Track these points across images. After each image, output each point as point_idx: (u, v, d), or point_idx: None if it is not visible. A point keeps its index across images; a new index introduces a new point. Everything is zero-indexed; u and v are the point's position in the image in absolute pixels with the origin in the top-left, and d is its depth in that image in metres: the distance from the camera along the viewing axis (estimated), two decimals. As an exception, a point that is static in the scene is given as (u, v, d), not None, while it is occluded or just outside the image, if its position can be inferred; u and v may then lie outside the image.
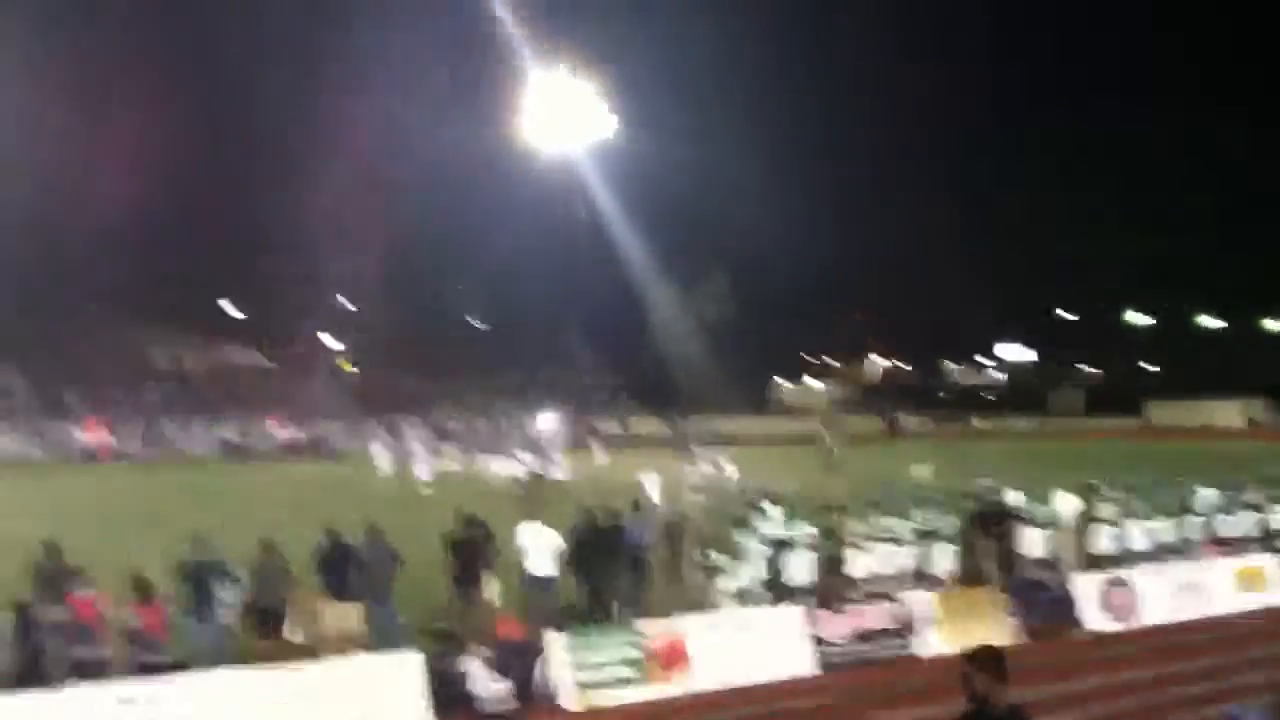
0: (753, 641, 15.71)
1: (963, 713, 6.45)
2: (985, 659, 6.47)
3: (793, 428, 76.01)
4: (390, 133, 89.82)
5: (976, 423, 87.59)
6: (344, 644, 15.76)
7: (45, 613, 14.23)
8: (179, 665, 14.08)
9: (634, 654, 14.85)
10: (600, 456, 46.29)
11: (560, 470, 41.27)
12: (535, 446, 47.65)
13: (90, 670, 13.59)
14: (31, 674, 13.86)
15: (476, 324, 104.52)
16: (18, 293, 79.38)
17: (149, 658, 13.74)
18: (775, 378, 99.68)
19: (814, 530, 19.44)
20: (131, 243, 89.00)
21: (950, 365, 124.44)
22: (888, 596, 18.01)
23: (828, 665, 16.02)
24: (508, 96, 76.92)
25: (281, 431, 57.25)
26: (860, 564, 19.68)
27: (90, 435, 54.52)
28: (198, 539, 15.91)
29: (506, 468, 40.48)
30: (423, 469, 42.00)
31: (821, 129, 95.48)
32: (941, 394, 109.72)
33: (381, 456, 45.50)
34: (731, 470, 39.36)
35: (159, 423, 58.67)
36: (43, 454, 52.67)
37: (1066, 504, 22.55)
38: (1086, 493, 22.87)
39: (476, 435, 57.26)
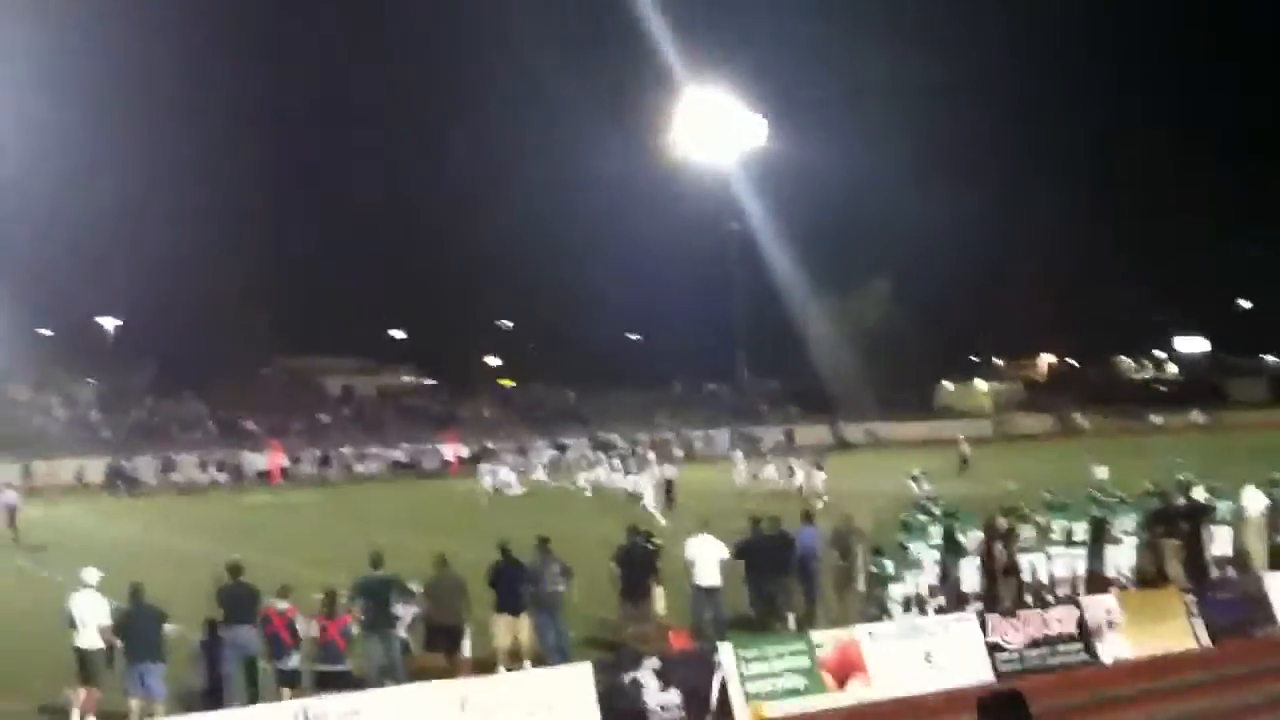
0: (927, 649, 15.39)
1: None
2: (998, 705, 5.56)
3: (959, 430, 74.56)
4: (544, 151, 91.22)
5: (1153, 418, 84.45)
6: (517, 657, 15.99)
7: (230, 631, 14.76)
8: (357, 678, 14.53)
9: (807, 663, 14.68)
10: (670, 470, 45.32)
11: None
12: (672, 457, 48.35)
13: (283, 680, 14.23)
14: (217, 691, 14.40)
15: (635, 337, 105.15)
16: (201, 329, 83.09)
17: (329, 667, 14.25)
18: (941, 380, 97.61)
19: (983, 534, 18.98)
20: (302, 278, 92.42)
21: (1124, 360, 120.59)
22: (1066, 600, 17.49)
23: (1005, 673, 15.58)
24: (660, 110, 77.31)
25: (448, 449, 58.37)
26: (1035, 567, 19.16)
27: (269, 460, 56.43)
28: (375, 555, 16.30)
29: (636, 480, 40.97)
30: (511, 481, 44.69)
31: (980, 127, 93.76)
32: (1115, 389, 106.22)
33: (486, 474, 46.87)
34: (802, 476, 39.55)
35: (333, 445, 60.37)
36: (227, 478, 54.68)
37: (1253, 499, 21.58)
38: (1274, 487, 21.86)
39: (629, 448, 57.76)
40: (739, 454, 49.68)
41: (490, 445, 60.39)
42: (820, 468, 39.01)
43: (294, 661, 14.44)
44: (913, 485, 36.89)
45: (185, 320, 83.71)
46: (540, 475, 48.10)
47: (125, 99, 76.80)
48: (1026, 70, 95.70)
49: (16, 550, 32.23)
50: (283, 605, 14.62)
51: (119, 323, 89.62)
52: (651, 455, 49.24)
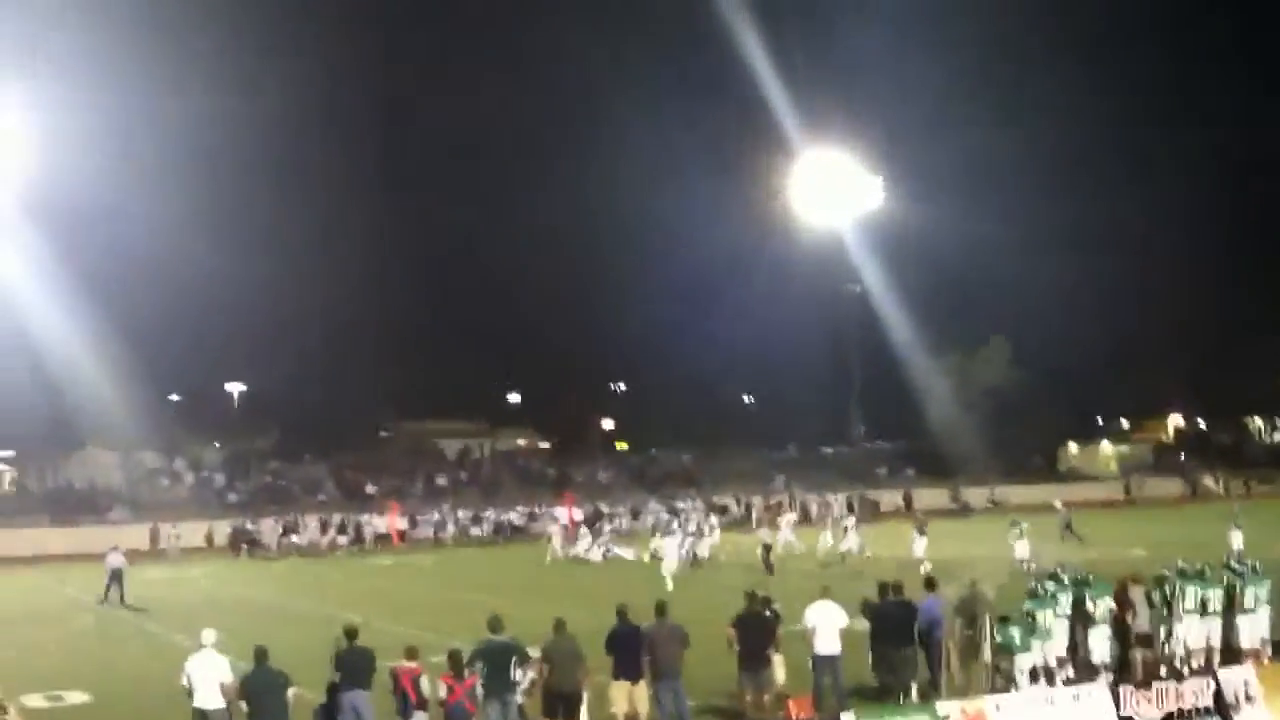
0: (1057, 722, 14.87)
1: None
2: None
3: (1084, 494, 72.78)
4: (660, 214, 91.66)
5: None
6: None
7: (348, 695, 14.83)
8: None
9: (932, 735, 14.29)
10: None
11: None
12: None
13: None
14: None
15: (749, 399, 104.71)
16: (324, 395, 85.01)
17: None
18: (1065, 442, 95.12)
19: (1113, 603, 18.39)
20: (420, 344, 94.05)
21: (1255, 421, 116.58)
22: (1201, 671, 16.82)
23: (1140, 747, 15.01)
24: (776, 171, 77.35)
25: (562, 512, 58.32)
26: (1168, 637, 18.51)
27: (389, 522, 57.05)
28: (493, 620, 16.33)
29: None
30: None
31: (1103, 179, 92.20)
32: (1247, 452, 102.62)
33: (557, 535, 48.41)
34: (854, 541, 40.00)
35: (450, 508, 60.83)
36: (347, 541, 55.31)
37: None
38: None
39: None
40: (787, 519, 49.25)
41: (604, 508, 60.34)
42: (923, 532, 38.01)
43: None
44: (1013, 535, 36.32)
45: (307, 385, 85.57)
46: (606, 541, 47.56)
47: (248, 169, 79.34)
48: (1149, 118, 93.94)
49: (132, 614, 32.87)
50: (410, 665, 14.73)
51: (243, 388, 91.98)
52: (713, 519, 49.58)
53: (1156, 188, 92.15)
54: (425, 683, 14.61)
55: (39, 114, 57.60)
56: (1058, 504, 48.81)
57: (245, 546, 53.14)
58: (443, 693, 14.46)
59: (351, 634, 15.49)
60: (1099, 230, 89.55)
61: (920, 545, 36.62)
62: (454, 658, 14.86)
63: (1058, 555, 26.90)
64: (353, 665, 15.03)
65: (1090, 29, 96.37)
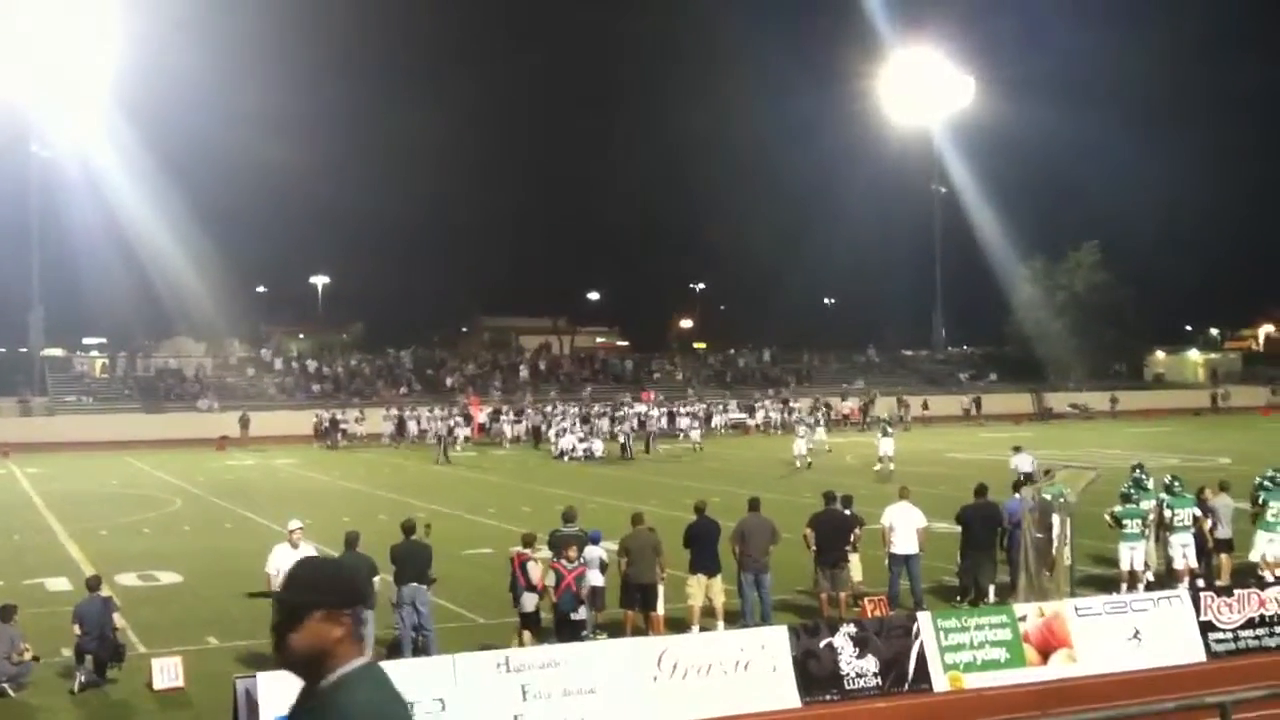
0: (1136, 626, 14.79)
1: None
2: None
3: (1170, 401, 71.84)
4: (746, 114, 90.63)
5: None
6: (710, 617, 16.01)
7: (405, 588, 15.08)
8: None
9: (1009, 635, 14.29)
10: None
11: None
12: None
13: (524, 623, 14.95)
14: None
15: (829, 302, 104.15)
16: (406, 289, 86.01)
17: (567, 614, 14.87)
18: (1153, 349, 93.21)
19: (1198, 510, 18.22)
20: (502, 241, 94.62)
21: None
22: (1286, 581, 16.63)
23: (1219, 652, 14.90)
24: (867, 71, 76.11)
25: (639, 409, 58.37)
26: (1251, 546, 18.39)
27: (471, 415, 57.53)
28: (567, 511, 16.60)
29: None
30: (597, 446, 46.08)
31: (1198, 84, 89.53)
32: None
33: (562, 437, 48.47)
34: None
35: (529, 403, 61.16)
36: (432, 433, 55.67)
37: None
38: None
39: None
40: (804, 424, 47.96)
41: (681, 406, 60.37)
42: (887, 433, 38.51)
43: (530, 605, 14.80)
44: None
45: (390, 280, 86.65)
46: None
47: (336, 67, 79.54)
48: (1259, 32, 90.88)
49: (221, 498, 33.52)
50: (523, 551, 15.11)
51: (327, 281, 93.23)
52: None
53: (1261, 98, 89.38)
54: (533, 568, 14.89)
55: (131, 7, 57.86)
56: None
57: (331, 435, 53.84)
58: (551, 580, 14.81)
59: (408, 529, 15.72)
60: (1196, 137, 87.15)
61: (886, 445, 37.36)
62: (554, 543, 15.26)
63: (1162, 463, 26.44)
64: (410, 559, 15.22)
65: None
